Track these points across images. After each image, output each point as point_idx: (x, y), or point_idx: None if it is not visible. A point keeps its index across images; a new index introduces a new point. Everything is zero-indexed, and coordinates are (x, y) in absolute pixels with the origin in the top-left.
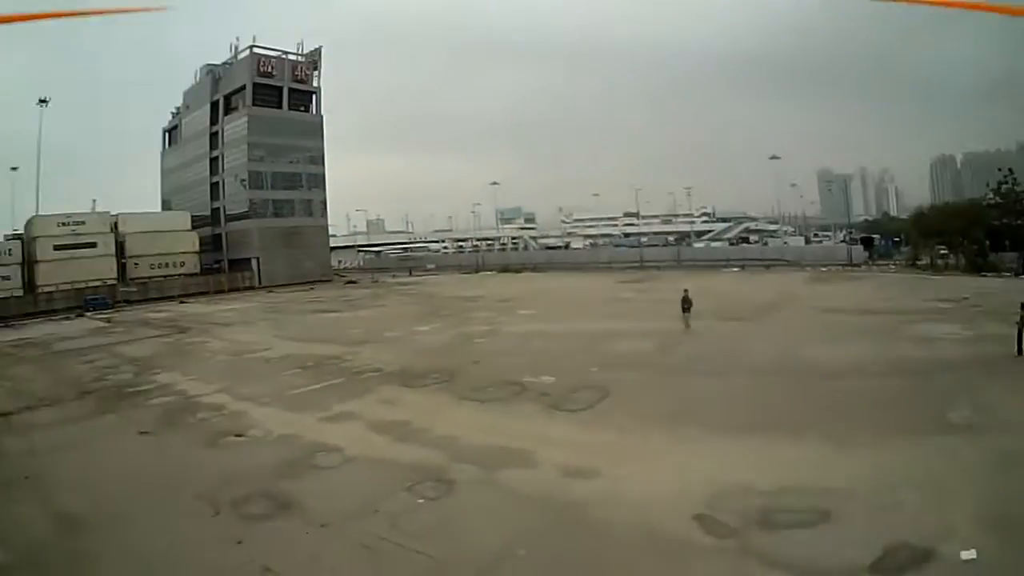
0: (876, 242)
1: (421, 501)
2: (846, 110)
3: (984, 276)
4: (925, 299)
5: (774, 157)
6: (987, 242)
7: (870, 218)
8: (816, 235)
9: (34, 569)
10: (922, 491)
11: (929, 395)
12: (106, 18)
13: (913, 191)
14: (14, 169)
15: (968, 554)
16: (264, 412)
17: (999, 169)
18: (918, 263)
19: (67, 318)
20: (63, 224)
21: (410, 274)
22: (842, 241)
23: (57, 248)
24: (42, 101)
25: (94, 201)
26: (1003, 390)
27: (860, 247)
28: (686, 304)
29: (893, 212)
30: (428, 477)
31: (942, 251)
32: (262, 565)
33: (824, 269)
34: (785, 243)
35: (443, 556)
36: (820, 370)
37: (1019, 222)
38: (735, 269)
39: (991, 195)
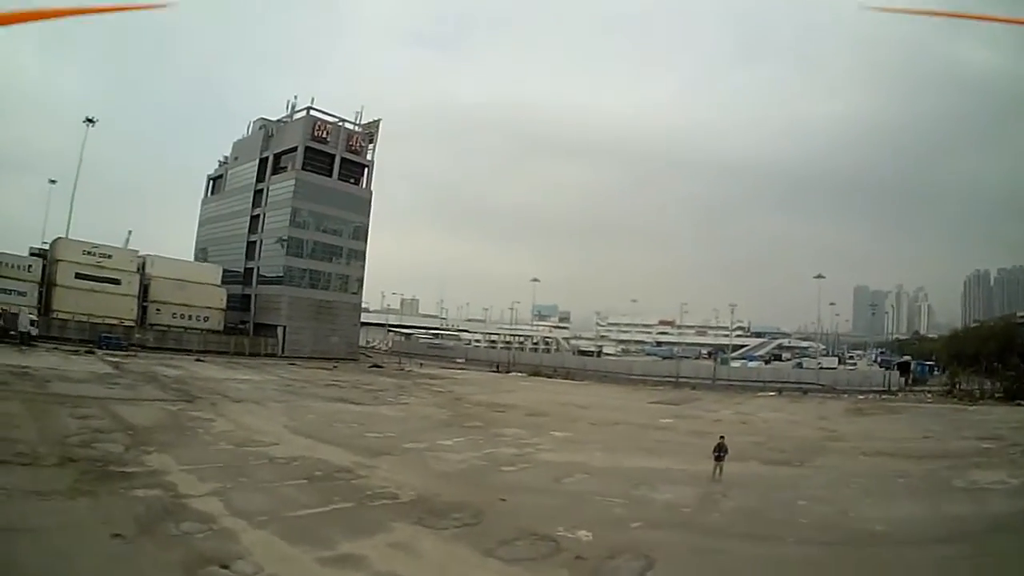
0: (911, 367)
1: None
2: (883, 227)
3: (1021, 405)
4: (966, 437)
5: (819, 276)
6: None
7: (902, 337)
8: (850, 356)
9: None
10: None
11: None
12: (157, 47)
13: (946, 308)
14: (52, 182)
15: None
16: (258, 537)
17: None
18: (954, 391)
19: (76, 351)
20: (88, 253)
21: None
22: (875, 362)
23: (79, 276)
24: (88, 120)
25: (129, 232)
26: None
27: (896, 372)
28: (720, 451)
29: (924, 331)
30: None
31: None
32: None
33: (862, 397)
34: (819, 363)
35: None
36: (874, 536)
37: None
38: (771, 393)
39: (1022, 315)
